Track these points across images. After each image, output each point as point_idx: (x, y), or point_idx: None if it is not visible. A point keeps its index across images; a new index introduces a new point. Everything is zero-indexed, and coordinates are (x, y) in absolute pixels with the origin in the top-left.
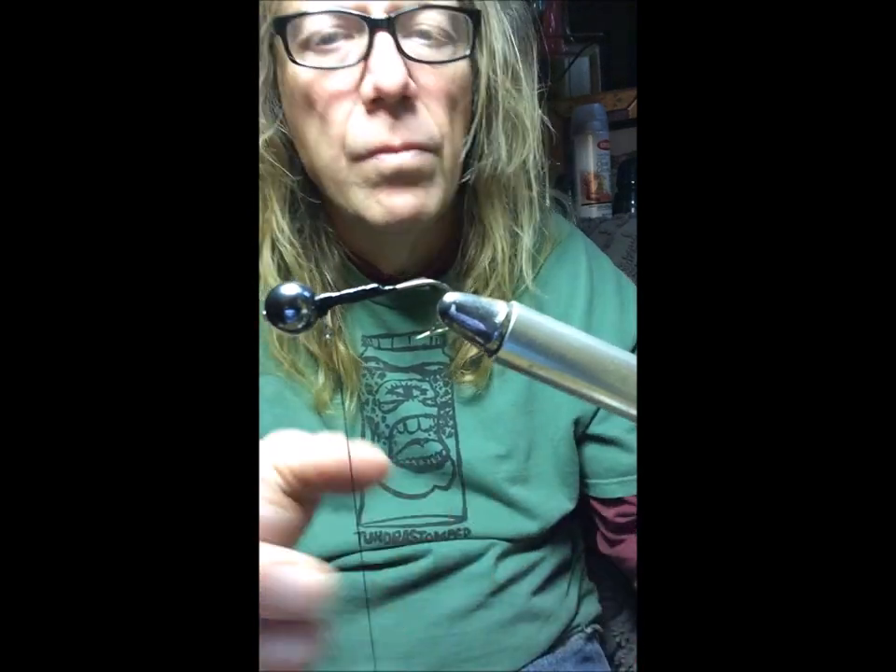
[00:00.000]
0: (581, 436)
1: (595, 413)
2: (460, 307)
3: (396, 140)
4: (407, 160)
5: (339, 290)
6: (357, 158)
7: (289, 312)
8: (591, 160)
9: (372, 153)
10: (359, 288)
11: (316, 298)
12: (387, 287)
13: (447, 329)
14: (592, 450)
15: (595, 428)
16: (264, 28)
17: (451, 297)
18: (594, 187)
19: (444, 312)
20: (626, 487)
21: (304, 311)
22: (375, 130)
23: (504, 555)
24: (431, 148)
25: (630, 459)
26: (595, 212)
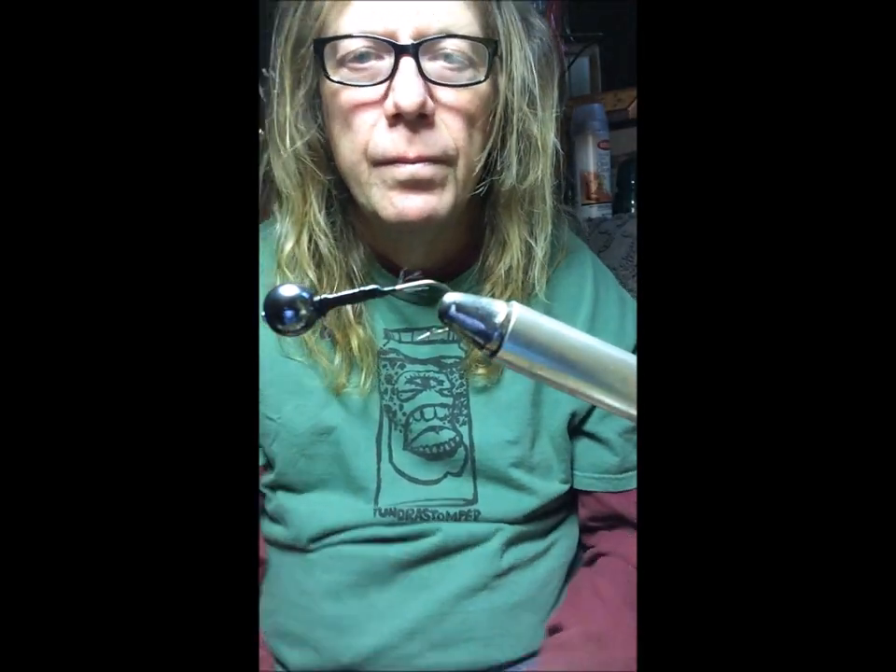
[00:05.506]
0: (574, 430)
1: (589, 411)
2: (460, 307)
3: (411, 152)
4: (420, 170)
5: (364, 281)
6: (377, 163)
7: (288, 313)
8: (591, 160)
9: (390, 161)
10: (358, 290)
11: (315, 299)
12: (387, 289)
13: (447, 329)
14: (580, 444)
15: (590, 426)
16: (300, 47)
17: (450, 297)
18: (594, 187)
19: (444, 312)
20: (602, 483)
21: (303, 312)
22: (394, 141)
23: (510, 542)
24: (445, 160)
25: (612, 459)
26: (595, 212)
